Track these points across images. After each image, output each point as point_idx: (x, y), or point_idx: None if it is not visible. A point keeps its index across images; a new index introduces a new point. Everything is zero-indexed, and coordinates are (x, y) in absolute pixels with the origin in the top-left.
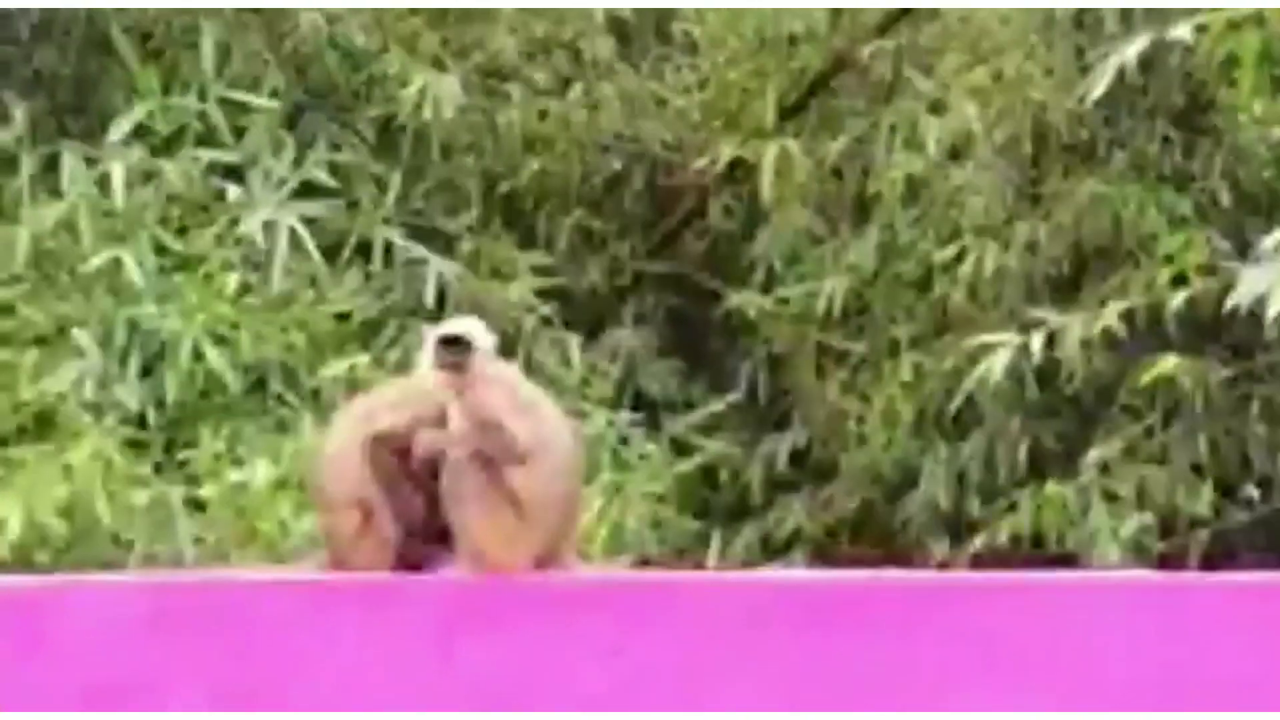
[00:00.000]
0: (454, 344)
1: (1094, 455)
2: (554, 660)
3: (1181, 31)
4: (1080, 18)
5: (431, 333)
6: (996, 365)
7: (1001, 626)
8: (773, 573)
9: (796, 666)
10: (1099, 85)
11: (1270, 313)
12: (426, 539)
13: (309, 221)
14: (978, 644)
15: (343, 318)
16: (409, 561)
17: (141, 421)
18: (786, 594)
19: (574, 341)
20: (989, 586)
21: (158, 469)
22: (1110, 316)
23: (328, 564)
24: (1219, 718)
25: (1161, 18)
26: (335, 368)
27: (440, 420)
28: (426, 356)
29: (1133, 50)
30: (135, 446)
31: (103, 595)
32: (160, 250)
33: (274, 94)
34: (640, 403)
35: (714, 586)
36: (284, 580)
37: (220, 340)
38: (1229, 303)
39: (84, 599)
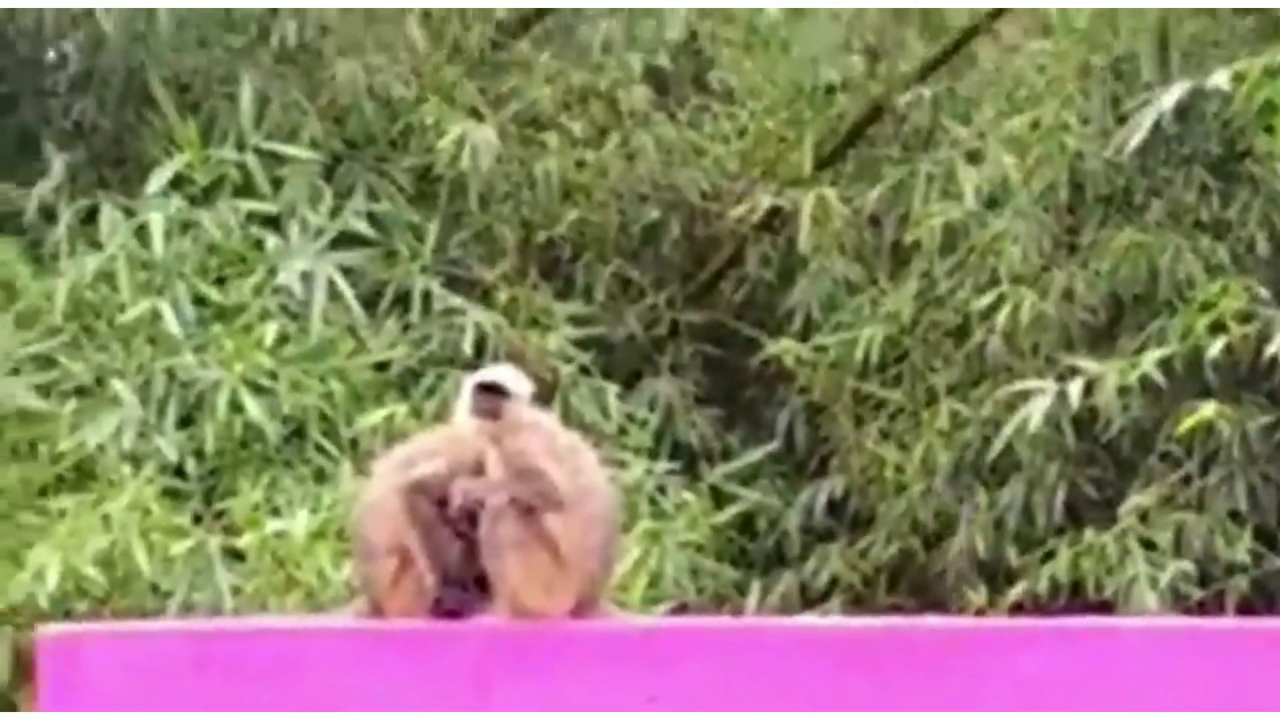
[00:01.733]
0: (490, 390)
1: (1132, 503)
2: (591, 706)
3: (1219, 79)
4: (1118, 67)
5: (468, 380)
6: (1035, 413)
7: (1042, 672)
8: (808, 619)
9: (834, 712)
10: (1136, 135)
11: None
12: (464, 586)
13: (347, 271)
14: (1019, 689)
15: (381, 367)
16: (446, 609)
17: (180, 471)
18: (823, 639)
19: (611, 391)
20: (1030, 632)
21: (196, 519)
22: (1148, 364)
23: (365, 611)
24: None
25: (1198, 66)
26: (373, 417)
27: (478, 468)
28: (463, 404)
29: (1169, 99)
30: (174, 496)
31: (145, 643)
32: (198, 300)
33: (312, 144)
34: (678, 452)
35: (749, 632)
36: (323, 628)
37: (258, 390)
38: (1269, 350)
39: (127, 646)
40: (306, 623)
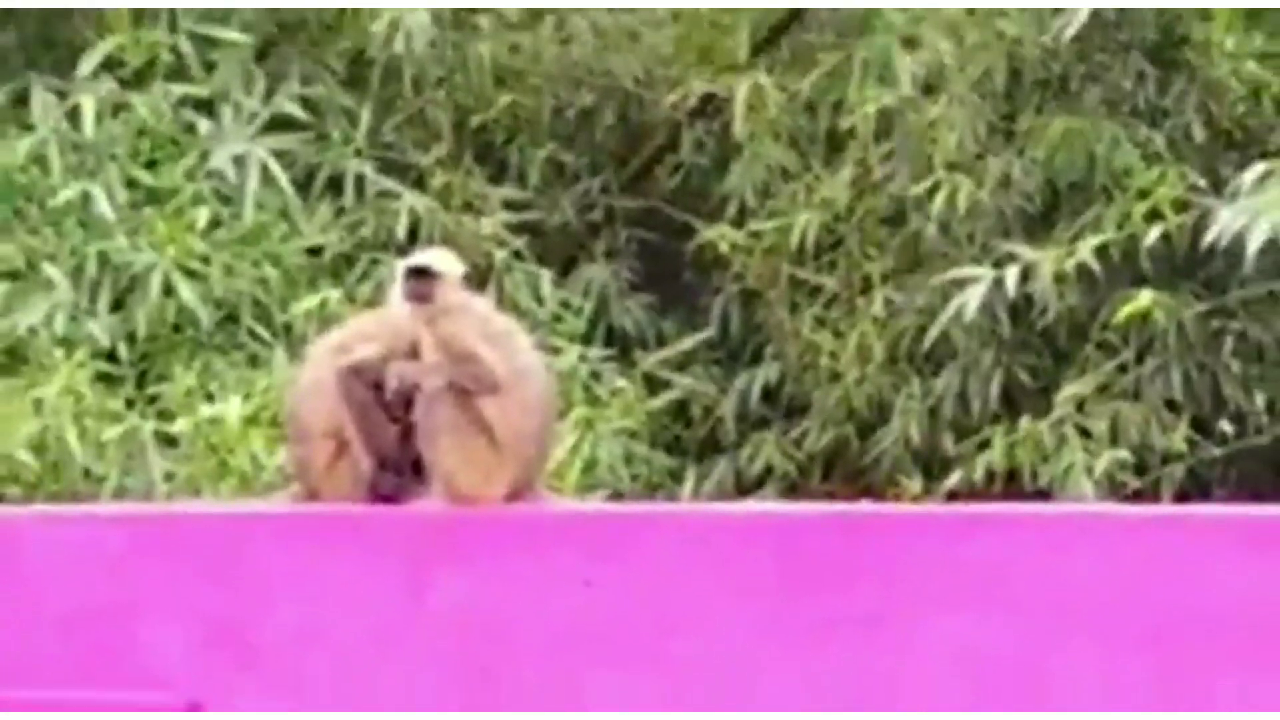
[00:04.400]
0: (422, 273)
1: (1068, 391)
2: (525, 591)
3: None
4: None
5: (400, 264)
6: (971, 300)
7: (977, 558)
8: (744, 505)
9: (768, 598)
10: (1074, 21)
11: (1250, 248)
12: (400, 471)
13: (279, 155)
14: (955, 575)
15: (314, 252)
16: (382, 493)
17: (112, 356)
18: (761, 525)
19: (546, 277)
20: (967, 518)
21: (129, 404)
22: (1085, 252)
23: (301, 496)
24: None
25: None
26: (307, 302)
27: (413, 352)
28: (396, 288)
29: None
30: (106, 381)
31: (78, 527)
32: (131, 184)
33: (244, 27)
34: (612, 338)
35: (685, 519)
36: (259, 512)
37: (191, 274)
38: (1207, 238)
39: (60, 530)
40: (242, 507)
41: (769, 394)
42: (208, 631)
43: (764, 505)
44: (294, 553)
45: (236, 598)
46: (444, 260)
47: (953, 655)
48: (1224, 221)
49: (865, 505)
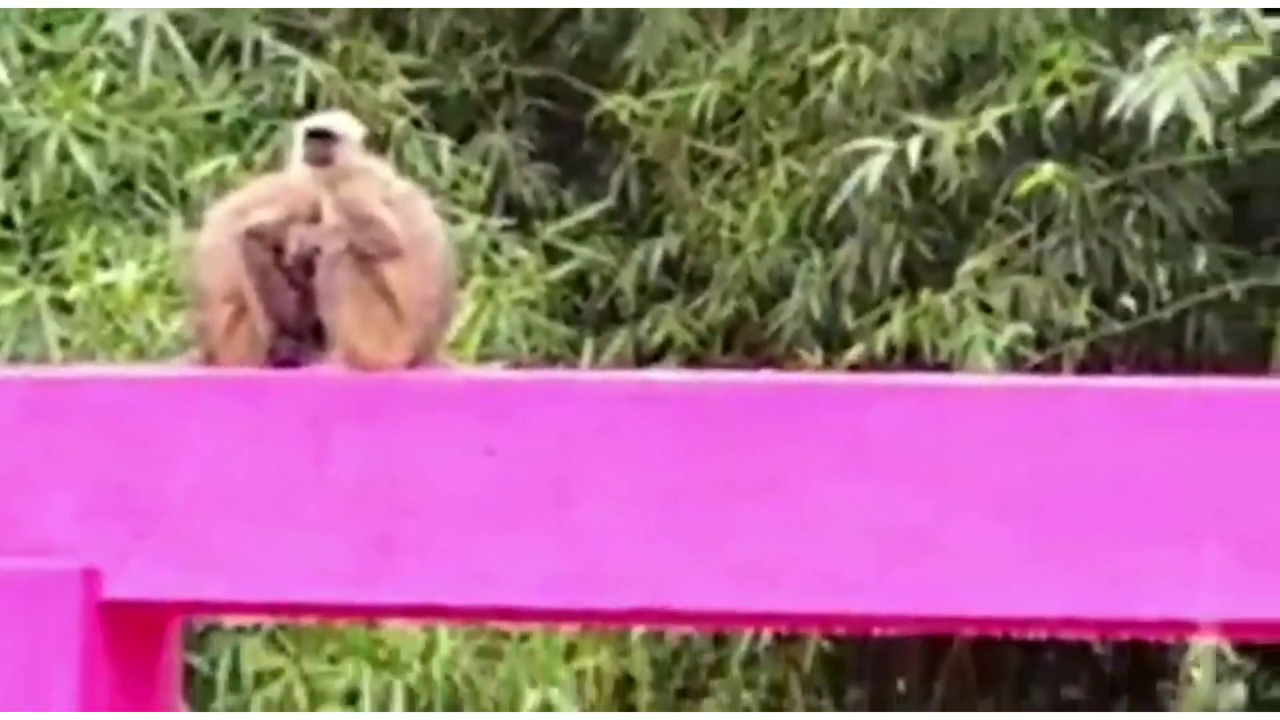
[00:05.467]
0: (321, 136)
1: (969, 265)
2: (426, 458)
3: None
4: None
5: (298, 127)
6: (873, 172)
7: (877, 427)
8: (646, 374)
9: (669, 466)
10: None
11: (1154, 121)
12: (300, 336)
13: (177, 20)
14: (855, 444)
15: (211, 118)
16: (282, 358)
17: (7, 222)
18: (662, 393)
19: (445, 145)
20: (866, 388)
21: (24, 269)
22: (987, 123)
23: (200, 361)
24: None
25: None
26: (204, 168)
27: (314, 217)
28: (296, 151)
29: None
30: (1, 247)
31: None
32: (26, 48)
33: None
34: (511, 208)
35: (588, 385)
36: (157, 375)
37: (87, 139)
38: (1110, 111)
39: None
40: (140, 370)
41: (669, 265)
42: (103, 497)
43: (665, 374)
44: (191, 417)
45: (132, 463)
46: (343, 123)
47: (850, 522)
48: (1127, 94)
49: (765, 374)
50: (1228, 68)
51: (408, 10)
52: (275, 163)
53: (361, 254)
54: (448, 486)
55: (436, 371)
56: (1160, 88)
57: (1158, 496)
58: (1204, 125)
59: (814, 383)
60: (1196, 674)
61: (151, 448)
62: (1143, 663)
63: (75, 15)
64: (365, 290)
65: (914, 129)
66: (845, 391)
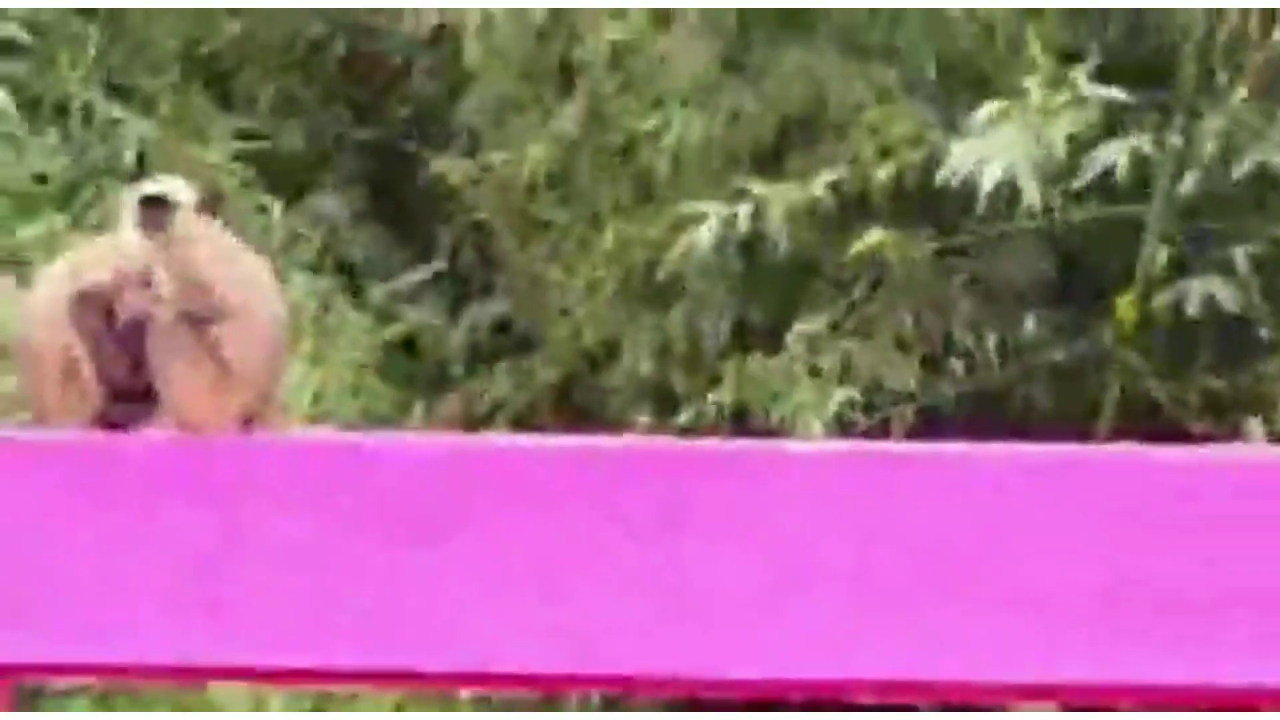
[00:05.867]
0: (156, 203)
1: (798, 329)
2: (255, 519)
3: None
4: None
5: (132, 192)
6: (703, 236)
7: (700, 493)
8: (482, 437)
9: (499, 529)
10: None
11: (983, 187)
12: (132, 399)
13: (4, 80)
14: (683, 509)
15: (41, 179)
16: (113, 422)
17: None
18: (485, 456)
19: (275, 206)
20: (688, 453)
21: None
22: (818, 187)
23: (32, 423)
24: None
25: None
26: (33, 229)
27: (146, 279)
28: (128, 217)
29: None
30: None
31: None
32: None
33: None
34: (342, 269)
35: (421, 448)
36: None
37: None
38: (940, 176)
39: None
40: None
41: (500, 327)
42: None
43: (489, 437)
44: (19, 478)
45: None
46: (177, 189)
47: (674, 584)
48: (957, 160)
49: (595, 439)
50: (1057, 134)
51: (239, 71)
52: (106, 223)
53: (192, 318)
54: (275, 548)
55: (266, 433)
56: (990, 154)
57: (984, 562)
58: (1032, 192)
59: (637, 447)
60: None
61: None
62: None
63: None
64: (195, 352)
65: (743, 193)
66: (669, 456)
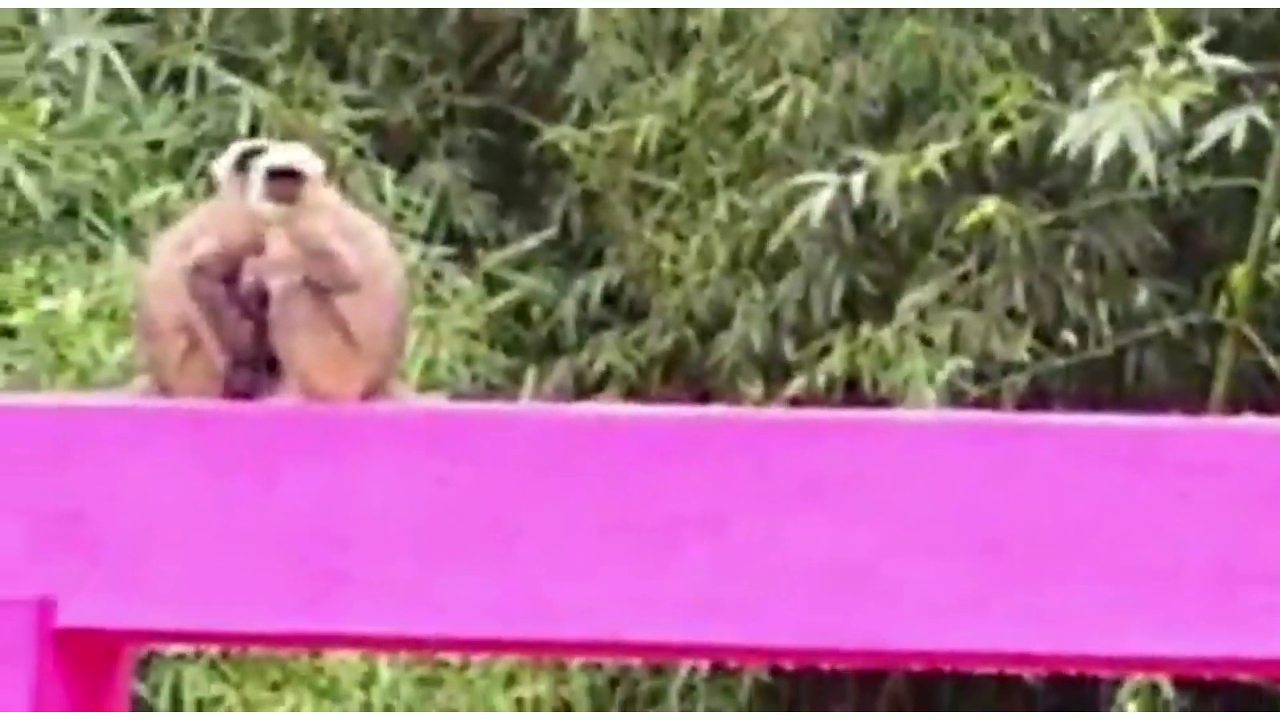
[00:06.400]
0: (285, 174)
1: (910, 299)
2: (379, 490)
3: None
4: None
5: (258, 162)
6: (817, 206)
7: (823, 463)
8: (597, 406)
9: (624, 500)
10: None
11: (1098, 158)
12: (255, 367)
13: (121, 48)
14: (800, 480)
15: (155, 146)
16: (236, 390)
17: None
18: (614, 427)
19: (387, 174)
20: (811, 423)
21: None
22: (931, 159)
23: (153, 392)
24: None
25: None
26: (147, 196)
27: (259, 246)
28: (255, 187)
29: None
30: None
31: None
32: None
33: None
34: (453, 238)
35: (540, 418)
36: (107, 405)
37: (31, 166)
38: (1055, 147)
39: None
40: (93, 399)
41: (610, 296)
42: (56, 527)
43: (615, 407)
44: (144, 447)
45: (86, 492)
46: (306, 160)
47: (795, 559)
48: (1072, 131)
49: (712, 409)
50: (1171, 105)
51: (351, 40)
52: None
53: (317, 287)
54: (398, 517)
55: (390, 403)
56: (1105, 125)
57: (1098, 534)
58: (1148, 162)
59: (759, 417)
60: (1131, 708)
61: (104, 477)
62: (1076, 696)
63: (20, 45)
64: (320, 323)
65: (856, 163)
66: (790, 426)
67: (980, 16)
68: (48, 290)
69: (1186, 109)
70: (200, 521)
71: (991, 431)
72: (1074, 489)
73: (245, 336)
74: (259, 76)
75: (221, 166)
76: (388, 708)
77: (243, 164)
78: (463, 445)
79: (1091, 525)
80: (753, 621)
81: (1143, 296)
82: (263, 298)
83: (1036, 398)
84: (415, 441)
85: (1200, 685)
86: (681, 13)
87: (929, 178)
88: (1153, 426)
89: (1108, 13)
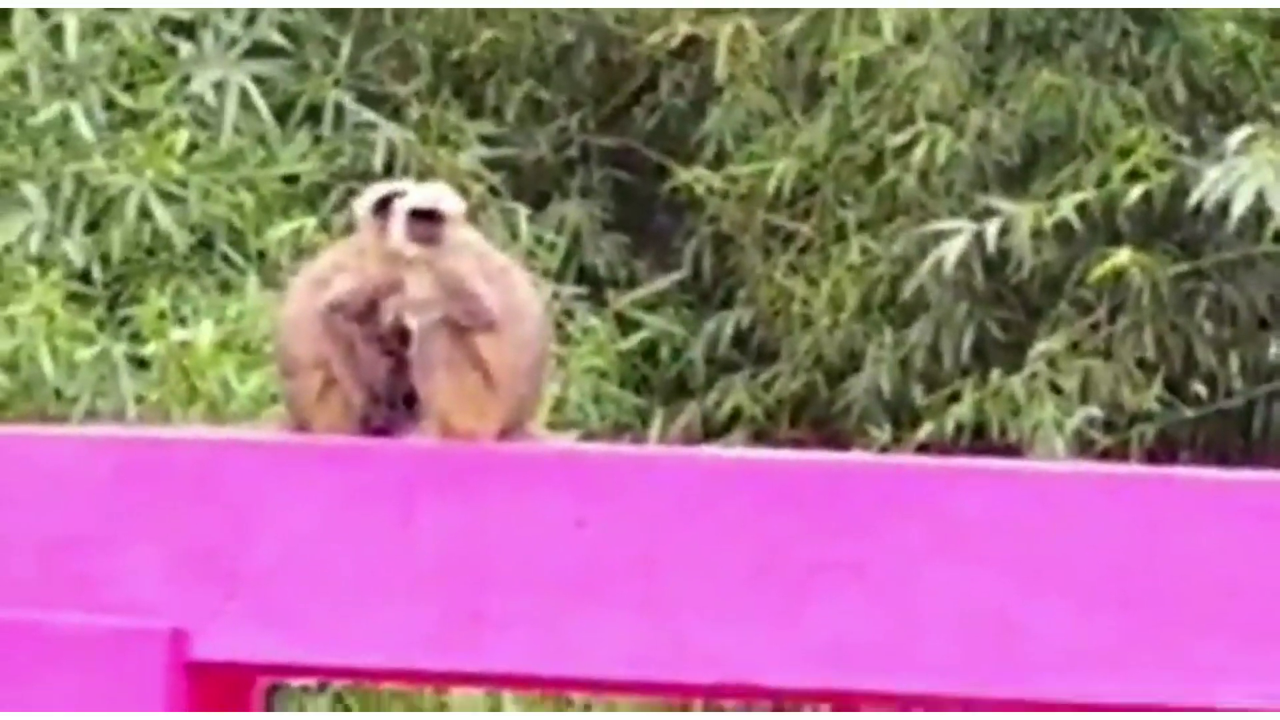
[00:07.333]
0: (428, 216)
1: (1040, 347)
2: (516, 529)
3: None
4: None
5: (400, 203)
6: (951, 252)
7: (965, 510)
8: (735, 450)
9: (759, 543)
10: None
11: (1235, 210)
12: (393, 404)
13: (259, 81)
14: (942, 527)
15: (290, 180)
16: (374, 426)
17: (86, 277)
18: (751, 469)
19: (521, 212)
20: (953, 471)
21: (101, 325)
22: (1066, 208)
23: (291, 427)
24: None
25: None
26: (282, 229)
27: (397, 285)
28: (397, 227)
29: None
30: (80, 301)
31: (63, 448)
32: (110, 105)
33: None
34: (584, 277)
35: (679, 461)
36: (247, 439)
37: (168, 198)
38: (1192, 199)
39: (44, 451)
40: (231, 433)
41: (739, 338)
42: (194, 559)
43: (755, 451)
44: (282, 481)
45: (223, 526)
46: (449, 200)
47: (937, 606)
48: (1209, 183)
49: (853, 454)
50: None
51: (487, 78)
52: (353, 227)
53: (456, 326)
54: (536, 558)
55: (528, 443)
56: (1242, 178)
57: (1243, 589)
58: None
59: (901, 464)
60: None
61: (241, 511)
62: None
63: (159, 76)
64: (459, 361)
65: (989, 211)
66: (932, 474)
67: (1116, 67)
68: (181, 321)
69: None
70: (336, 557)
71: (1132, 482)
72: (1215, 543)
73: (381, 374)
74: (395, 113)
75: (360, 207)
76: None
77: (382, 206)
78: (600, 486)
79: (1233, 580)
80: (889, 668)
81: (1274, 349)
82: (403, 336)
83: (1165, 448)
84: (553, 482)
85: None
86: (818, 56)
87: (1062, 227)
88: None
89: (1243, 66)
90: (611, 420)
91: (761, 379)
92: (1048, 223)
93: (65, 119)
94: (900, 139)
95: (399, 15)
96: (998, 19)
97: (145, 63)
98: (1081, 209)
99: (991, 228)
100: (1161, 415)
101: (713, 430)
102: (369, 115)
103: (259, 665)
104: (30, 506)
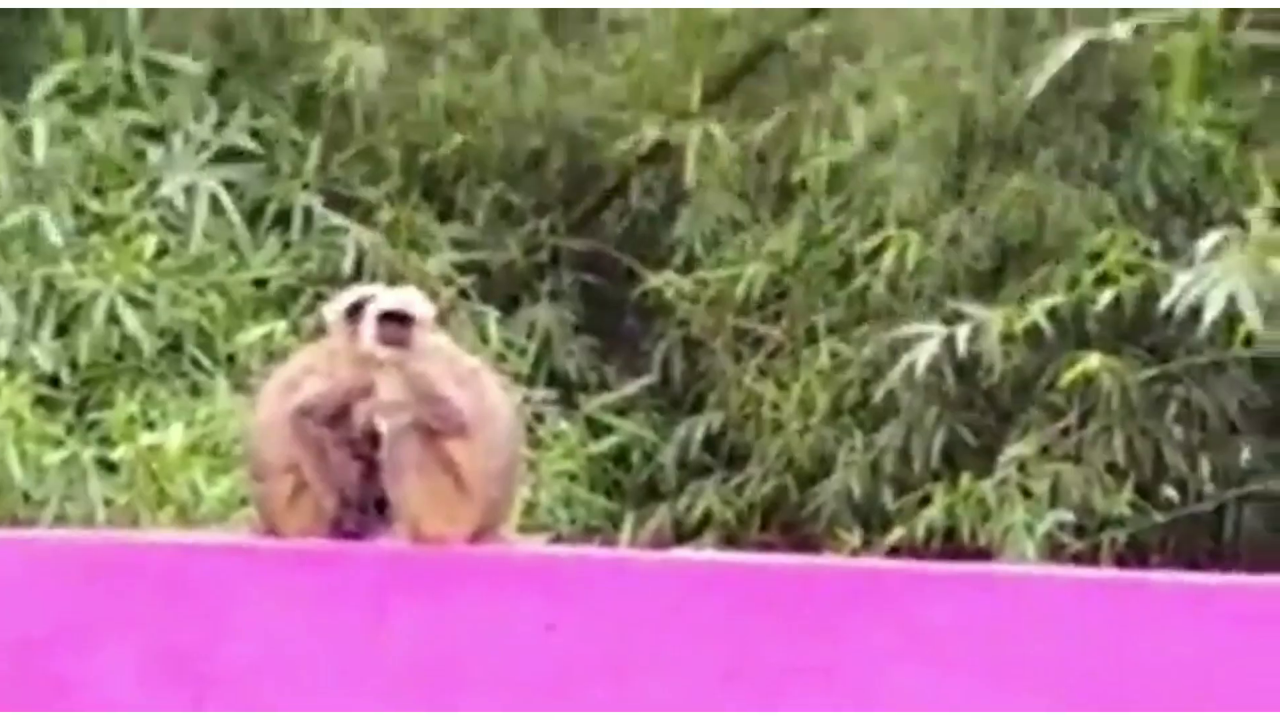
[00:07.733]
0: (397, 319)
1: (1011, 451)
2: (487, 632)
3: (1120, 32)
4: (1012, 13)
5: (371, 306)
6: (921, 356)
7: (935, 614)
8: (707, 554)
9: (730, 647)
10: (1037, 83)
11: (1207, 315)
12: (364, 509)
13: (229, 186)
14: (908, 630)
15: (260, 283)
16: (345, 530)
17: (55, 381)
18: (721, 575)
19: (491, 316)
20: (925, 576)
21: (70, 429)
22: (1037, 313)
23: (261, 531)
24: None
25: (1094, 17)
26: (252, 333)
27: (367, 389)
28: (367, 329)
29: (1069, 49)
30: (48, 405)
31: (33, 551)
32: (78, 210)
33: (198, 56)
34: (555, 380)
35: (651, 565)
36: (219, 543)
37: (136, 302)
38: (1163, 303)
39: (13, 555)
40: (202, 537)
41: (710, 442)
42: (165, 662)
43: (725, 555)
44: (253, 584)
45: (194, 629)
46: (417, 303)
47: (908, 708)
48: (1180, 288)
49: (827, 558)
50: (1278, 265)
51: (457, 181)
52: (323, 330)
53: (427, 429)
54: (507, 661)
55: (498, 546)
56: (1213, 284)
57: (1214, 692)
58: (1255, 322)
59: (873, 567)
60: None
61: (213, 613)
62: None
63: (128, 179)
64: (430, 465)
65: (959, 315)
66: (903, 577)
67: (1086, 171)
68: (150, 425)
69: None
70: (307, 659)
71: (1103, 586)
72: (1187, 647)
73: (352, 477)
74: (365, 215)
75: (331, 311)
76: None
77: (354, 311)
78: (571, 590)
79: (1204, 684)
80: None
81: (1244, 454)
82: (374, 439)
83: (1135, 552)
84: (523, 585)
85: None
86: (789, 162)
87: (1032, 331)
88: (1260, 586)
89: (1212, 171)
90: (582, 524)
91: (732, 483)
92: (1018, 327)
93: (33, 224)
94: (870, 244)
95: (369, 119)
96: (967, 125)
97: (113, 168)
98: (1052, 313)
99: (962, 332)
100: (1132, 519)
101: (684, 534)
102: (338, 219)
103: None
104: (2, 608)
